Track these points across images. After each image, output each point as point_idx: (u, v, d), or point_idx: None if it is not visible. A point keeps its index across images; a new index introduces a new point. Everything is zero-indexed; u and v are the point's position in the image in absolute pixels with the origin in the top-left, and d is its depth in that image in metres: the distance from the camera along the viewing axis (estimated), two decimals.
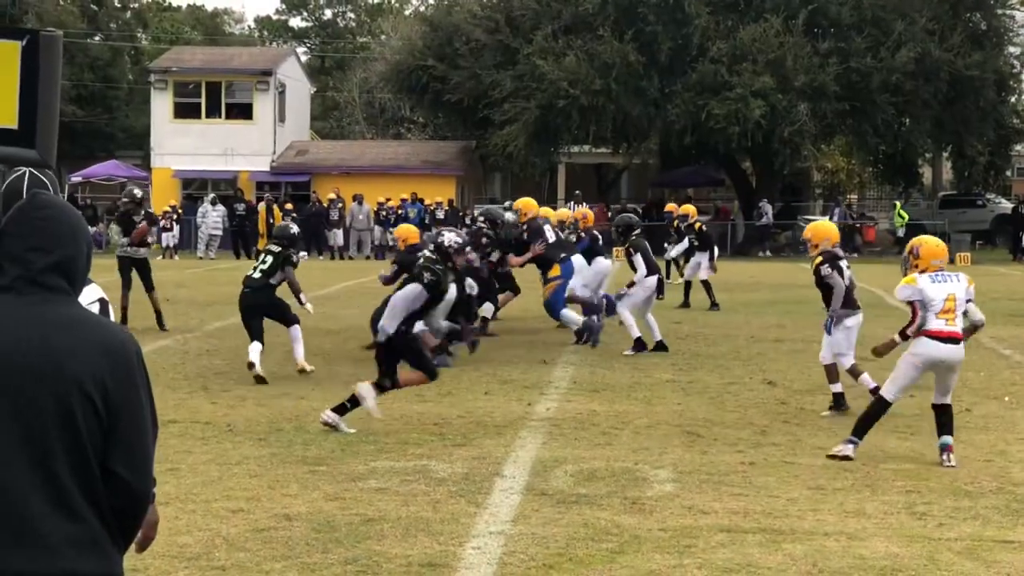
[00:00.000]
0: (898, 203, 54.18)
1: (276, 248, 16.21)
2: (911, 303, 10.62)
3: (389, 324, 11.65)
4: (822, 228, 13.76)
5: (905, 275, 10.82)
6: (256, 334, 15.69)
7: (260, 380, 15.09)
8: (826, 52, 48.06)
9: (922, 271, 10.67)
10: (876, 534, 8.28)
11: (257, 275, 15.99)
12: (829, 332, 13.10)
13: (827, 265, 13.03)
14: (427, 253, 12.21)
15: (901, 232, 51.24)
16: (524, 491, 9.40)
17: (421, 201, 49.15)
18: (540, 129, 48.88)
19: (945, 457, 10.51)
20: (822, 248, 13.26)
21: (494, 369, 16.17)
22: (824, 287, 13.13)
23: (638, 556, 7.74)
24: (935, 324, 10.50)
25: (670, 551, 7.85)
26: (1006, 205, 53.86)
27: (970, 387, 14.81)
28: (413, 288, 11.76)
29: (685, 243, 26.13)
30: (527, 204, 19.49)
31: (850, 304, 13.16)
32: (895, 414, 12.95)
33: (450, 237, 12.16)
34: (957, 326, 10.61)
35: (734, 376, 15.81)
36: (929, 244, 10.98)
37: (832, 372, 13.21)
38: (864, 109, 48.80)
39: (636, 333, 17.73)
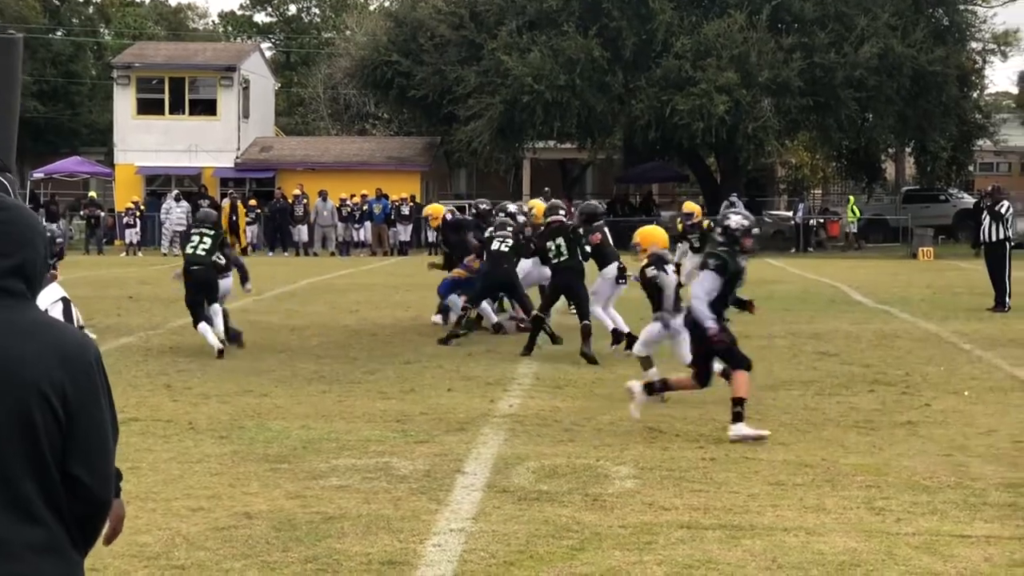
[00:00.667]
0: (852, 198, 54.42)
1: (210, 231, 17.65)
2: None
3: (708, 320, 11.56)
4: (651, 233, 14.30)
5: None
6: (202, 313, 17.23)
7: (224, 349, 16.79)
8: (790, 48, 48.24)
9: None
10: (835, 529, 8.32)
11: (202, 253, 17.36)
12: (667, 327, 13.44)
13: (653, 267, 13.61)
14: (716, 237, 12.11)
15: (852, 228, 51.39)
16: (485, 488, 9.41)
17: (386, 197, 49.09)
18: (505, 125, 48.91)
19: None
20: (650, 252, 13.80)
21: (457, 365, 16.19)
22: (653, 288, 13.63)
23: (598, 553, 7.76)
24: None
25: (630, 548, 7.87)
26: (968, 200, 54.14)
27: (930, 382, 14.91)
28: (706, 276, 11.65)
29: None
30: (435, 210, 21.08)
31: (673, 306, 13.59)
32: (856, 408, 13.05)
33: (736, 220, 11.98)
34: None
35: None
36: None
37: (646, 362, 13.67)
38: (828, 104, 49.00)
39: (611, 325, 17.48)
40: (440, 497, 9.13)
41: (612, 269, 17.63)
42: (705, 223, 24.96)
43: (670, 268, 13.80)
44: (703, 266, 11.75)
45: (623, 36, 48.55)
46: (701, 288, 11.56)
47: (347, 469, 10.06)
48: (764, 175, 65.66)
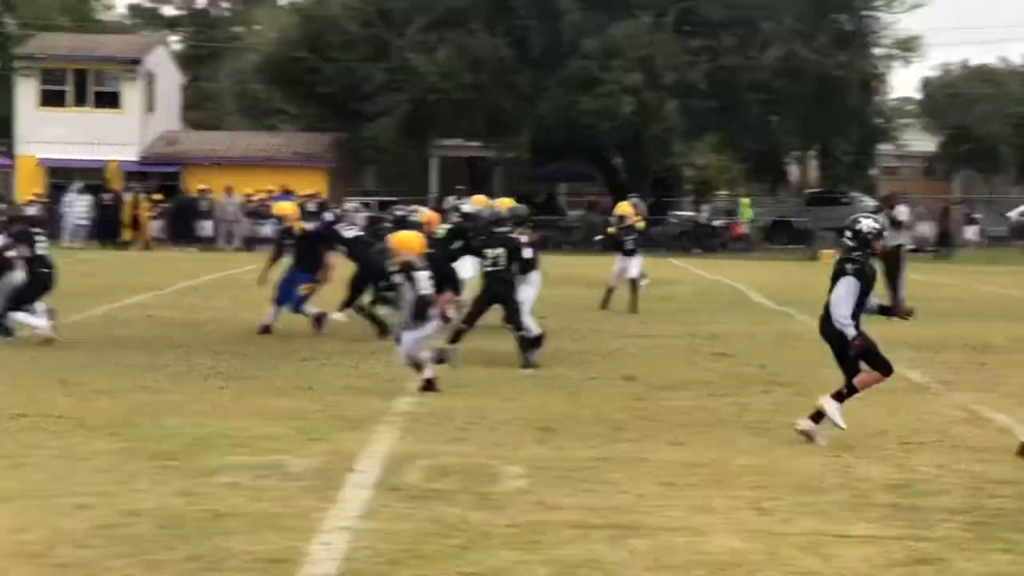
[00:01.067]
0: (743, 200, 54.94)
1: (41, 231, 18.27)
2: None
3: (847, 325, 11.49)
4: (403, 240, 14.47)
5: None
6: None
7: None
8: (696, 50, 48.58)
9: None
10: (720, 529, 8.39)
11: (48, 254, 17.97)
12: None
13: (400, 275, 14.05)
14: (847, 242, 12.00)
15: (744, 228, 51.81)
16: (376, 486, 9.40)
17: (291, 193, 48.77)
18: (411, 122, 48.87)
19: None
20: (402, 258, 14.08)
21: (356, 363, 16.17)
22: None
23: (485, 552, 7.78)
24: None
25: (517, 547, 7.89)
26: (870, 203, 54.80)
27: (824, 383, 15.02)
28: (844, 282, 11.57)
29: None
30: (288, 208, 20.67)
31: (421, 316, 13.90)
32: (749, 408, 13.18)
33: (867, 223, 11.93)
34: None
35: (594, 371, 15.91)
36: None
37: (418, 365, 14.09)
38: (733, 107, 49.43)
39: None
40: (330, 495, 9.10)
41: (537, 276, 17.82)
42: (639, 224, 24.28)
43: (422, 274, 13.91)
44: (840, 272, 11.66)
45: (531, 36, 48.69)
46: (842, 294, 11.56)
47: (239, 467, 10.00)
48: (671, 175, 66.04)
